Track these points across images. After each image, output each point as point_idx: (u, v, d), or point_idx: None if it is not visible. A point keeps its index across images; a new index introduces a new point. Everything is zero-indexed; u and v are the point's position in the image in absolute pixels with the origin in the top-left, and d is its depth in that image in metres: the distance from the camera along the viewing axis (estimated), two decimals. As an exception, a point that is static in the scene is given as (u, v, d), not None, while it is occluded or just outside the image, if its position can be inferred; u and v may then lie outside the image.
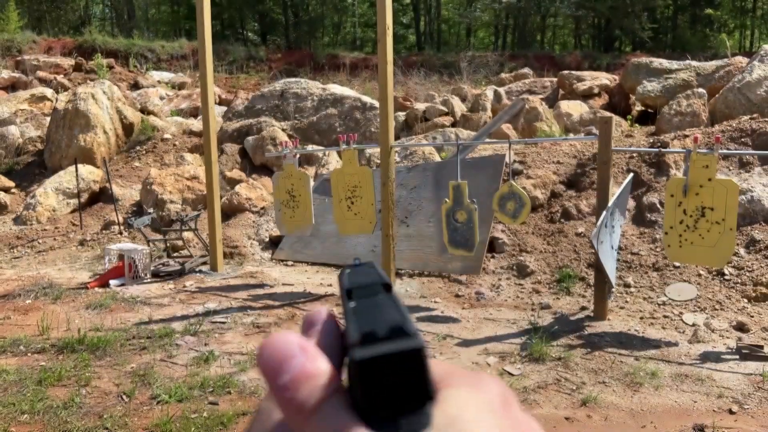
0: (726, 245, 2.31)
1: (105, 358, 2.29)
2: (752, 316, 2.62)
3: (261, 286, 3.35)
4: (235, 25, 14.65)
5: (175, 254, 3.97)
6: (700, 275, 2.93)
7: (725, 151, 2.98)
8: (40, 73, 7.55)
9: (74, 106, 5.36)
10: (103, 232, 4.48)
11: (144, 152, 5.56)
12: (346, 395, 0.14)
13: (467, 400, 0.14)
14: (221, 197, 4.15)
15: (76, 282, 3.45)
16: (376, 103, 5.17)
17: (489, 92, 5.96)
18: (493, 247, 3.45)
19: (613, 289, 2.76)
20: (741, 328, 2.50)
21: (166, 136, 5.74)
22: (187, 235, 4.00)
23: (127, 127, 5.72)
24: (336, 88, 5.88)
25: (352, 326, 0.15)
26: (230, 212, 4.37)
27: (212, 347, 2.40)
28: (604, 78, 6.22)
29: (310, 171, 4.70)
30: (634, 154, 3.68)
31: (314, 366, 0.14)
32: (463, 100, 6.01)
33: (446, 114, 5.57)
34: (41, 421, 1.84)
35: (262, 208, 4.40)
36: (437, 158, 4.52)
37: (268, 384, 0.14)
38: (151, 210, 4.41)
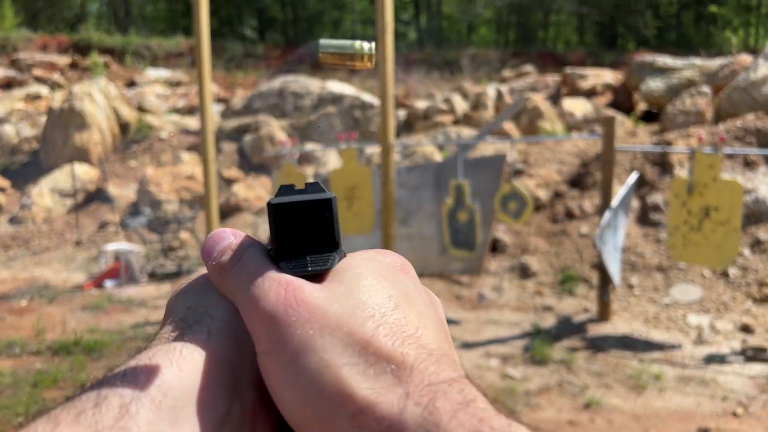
0: (730, 246, 2.28)
1: (101, 361, 2.27)
2: (757, 318, 2.59)
3: (259, 286, 3.31)
4: (233, 22, 14.55)
5: (172, 255, 3.94)
6: (704, 276, 2.91)
7: (730, 150, 2.92)
8: (36, 72, 7.47)
9: (70, 105, 5.32)
10: (99, 232, 4.46)
11: (140, 151, 5.52)
12: (264, 251, 0.17)
13: (367, 258, 0.17)
14: (219, 197, 4.16)
15: (71, 283, 3.43)
16: (376, 102, 5.16)
17: (491, 90, 5.91)
18: (495, 247, 3.43)
19: (610, 292, 2.72)
20: (746, 329, 2.47)
21: (163, 134, 5.71)
22: (183, 235, 3.99)
23: (123, 126, 5.70)
24: (335, 86, 5.82)
25: (274, 196, 0.17)
26: (228, 212, 4.35)
27: (209, 350, 2.38)
28: (608, 76, 6.18)
29: (309, 170, 4.65)
30: (638, 154, 3.65)
31: (238, 239, 0.17)
32: (465, 98, 5.94)
33: (447, 112, 5.53)
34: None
35: (260, 208, 4.39)
36: (438, 157, 4.49)
37: (204, 261, 0.17)
38: (147, 210, 4.37)
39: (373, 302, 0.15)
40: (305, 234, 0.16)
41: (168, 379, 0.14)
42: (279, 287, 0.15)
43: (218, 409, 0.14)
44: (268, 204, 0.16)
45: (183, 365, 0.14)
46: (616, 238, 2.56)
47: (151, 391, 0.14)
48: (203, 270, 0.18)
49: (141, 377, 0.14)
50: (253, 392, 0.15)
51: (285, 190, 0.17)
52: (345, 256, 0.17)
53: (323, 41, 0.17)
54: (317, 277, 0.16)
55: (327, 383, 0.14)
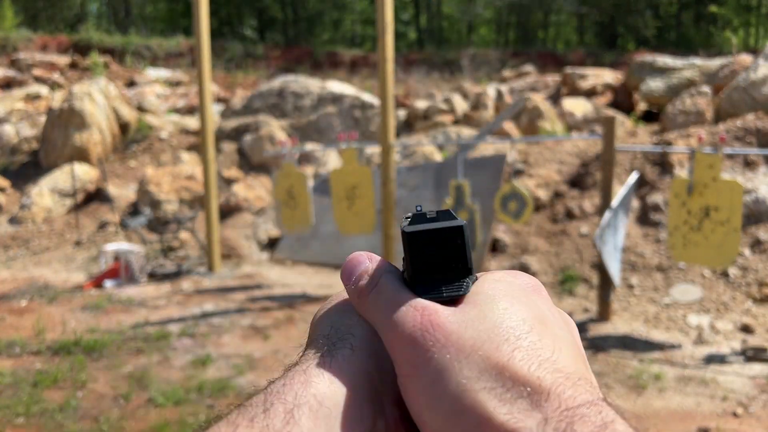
0: (730, 246, 2.28)
1: (101, 361, 2.27)
2: (757, 318, 2.59)
3: (259, 287, 3.32)
4: (233, 22, 14.54)
5: (172, 255, 3.94)
6: (704, 276, 2.90)
7: (730, 150, 2.92)
8: (36, 72, 7.47)
9: (70, 105, 5.30)
10: (99, 232, 4.44)
11: (140, 151, 5.51)
12: (399, 276, 0.18)
13: (500, 280, 0.18)
14: (218, 197, 4.13)
15: (71, 283, 3.42)
16: (376, 102, 5.13)
17: (491, 90, 5.91)
18: (495, 247, 3.43)
19: (612, 292, 2.72)
20: (746, 329, 2.47)
21: (163, 134, 5.70)
22: (183, 235, 3.98)
23: (123, 126, 5.68)
24: (335, 86, 5.82)
25: (404, 221, 0.18)
26: (228, 212, 4.34)
27: (209, 350, 2.38)
28: (608, 76, 6.17)
29: (309, 170, 4.64)
30: (638, 154, 3.65)
31: (374, 264, 0.18)
32: (465, 98, 5.94)
33: (447, 112, 5.53)
34: (37, 424, 1.81)
35: (261, 208, 4.38)
36: (438, 157, 4.49)
37: (344, 284, 0.18)
38: (147, 210, 4.36)
39: (507, 325, 0.16)
40: (439, 260, 0.17)
41: (322, 389, 0.15)
42: (415, 312, 0.16)
43: (365, 423, 0.15)
44: (404, 232, 0.17)
45: (333, 378, 0.16)
46: (616, 238, 2.56)
47: (309, 400, 0.15)
48: (342, 292, 0.19)
49: (298, 387, 0.15)
50: (395, 411, 0.16)
51: (417, 218, 0.17)
52: (477, 279, 0.18)
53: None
54: (452, 301, 0.17)
55: (466, 407, 0.14)
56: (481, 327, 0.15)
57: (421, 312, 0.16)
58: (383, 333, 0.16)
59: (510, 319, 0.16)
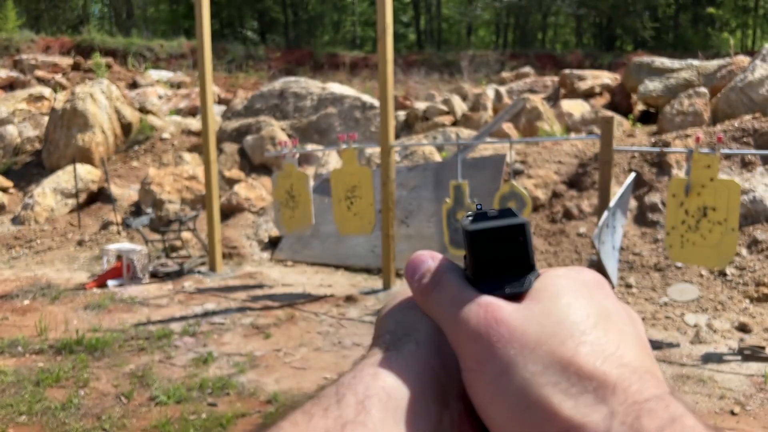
0: (728, 245, 2.29)
1: (103, 359, 2.28)
2: (754, 317, 2.60)
3: (260, 286, 3.33)
4: (235, 24, 14.60)
5: (174, 254, 3.95)
6: (701, 276, 2.92)
7: (727, 150, 2.95)
8: (38, 73, 7.51)
9: (72, 106, 5.32)
10: (102, 232, 4.45)
11: (142, 152, 5.53)
12: (461, 273, 0.18)
13: (562, 276, 0.18)
14: (220, 197, 4.13)
15: (74, 282, 3.43)
16: (376, 103, 5.13)
17: (490, 91, 5.94)
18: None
19: (614, 286, 2.74)
20: (743, 328, 2.49)
21: (165, 135, 5.71)
22: (185, 235, 3.99)
23: (126, 127, 5.69)
24: (336, 87, 5.84)
25: (465, 220, 0.18)
26: (229, 212, 4.35)
27: (211, 348, 2.39)
28: (606, 77, 6.18)
29: (310, 170, 4.67)
30: (636, 154, 3.66)
31: (436, 262, 0.19)
32: (464, 99, 5.98)
33: (447, 113, 5.54)
34: (39, 423, 1.83)
35: (262, 208, 4.38)
36: (437, 158, 4.50)
37: (408, 282, 0.19)
38: (149, 210, 4.38)
39: (571, 321, 0.16)
40: (501, 257, 0.17)
41: (390, 382, 0.15)
42: (479, 308, 0.16)
43: (432, 416, 0.15)
44: (466, 231, 0.17)
45: (400, 371, 0.16)
46: (614, 238, 2.58)
47: (378, 392, 0.15)
48: (406, 290, 0.19)
49: (367, 379, 0.15)
50: (460, 405, 0.16)
51: (479, 216, 0.17)
52: (539, 275, 0.18)
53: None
54: (515, 297, 0.17)
55: (531, 402, 0.14)
56: (545, 322, 0.15)
57: (485, 308, 0.16)
58: (447, 329, 0.16)
59: (574, 314, 0.16)
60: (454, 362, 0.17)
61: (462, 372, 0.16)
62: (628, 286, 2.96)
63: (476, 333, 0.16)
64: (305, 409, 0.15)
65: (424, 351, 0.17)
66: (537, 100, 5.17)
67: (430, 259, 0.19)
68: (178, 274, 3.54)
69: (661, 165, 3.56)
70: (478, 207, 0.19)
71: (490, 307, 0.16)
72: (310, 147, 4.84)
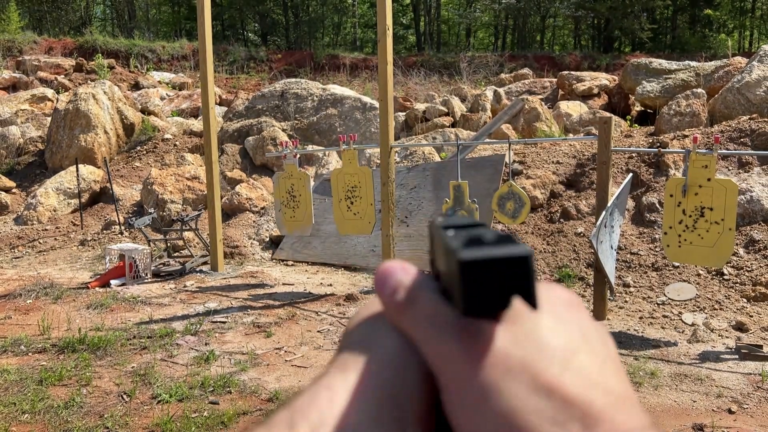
0: (725, 245, 2.30)
1: (106, 358, 2.29)
2: (751, 316, 2.61)
3: (261, 285, 3.34)
4: (236, 26, 14.66)
5: (176, 254, 3.96)
6: (699, 275, 2.93)
7: (724, 151, 2.98)
8: (41, 74, 7.55)
9: (75, 107, 5.35)
10: (104, 232, 4.47)
11: (144, 152, 5.55)
12: (437, 288, 0.16)
13: (540, 296, 0.16)
14: (222, 197, 4.14)
15: (76, 282, 3.44)
16: (376, 104, 5.17)
17: (489, 93, 5.95)
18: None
19: (614, 292, 2.75)
20: (740, 327, 2.50)
21: (167, 136, 5.72)
22: (187, 235, 4.00)
23: (128, 128, 5.71)
24: (336, 89, 5.87)
25: (453, 240, 0.15)
26: (231, 212, 4.37)
27: (213, 347, 2.40)
28: (604, 78, 6.21)
29: (311, 171, 4.70)
30: (634, 155, 3.68)
31: (409, 276, 0.17)
32: (463, 100, 6.01)
33: (446, 114, 5.56)
34: (42, 421, 1.84)
35: (263, 208, 4.39)
36: (437, 158, 4.53)
37: (378, 297, 0.17)
38: (151, 210, 4.40)
39: (555, 345, 0.15)
40: (494, 292, 0.14)
41: (346, 409, 0.14)
42: (460, 329, 0.15)
43: None
44: (460, 262, 0.14)
45: (357, 396, 0.15)
46: (612, 238, 2.59)
47: (334, 420, 0.14)
48: (375, 301, 0.18)
49: (323, 405, 0.15)
50: (418, 429, 0.15)
51: (473, 241, 0.14)
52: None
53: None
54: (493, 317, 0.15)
55: (515, 429, 0.14)
56: (528, 346, 0.15)
57: (467, 329, 0.15)
58: (425, 349, 0.15)
59: (557, 338, 0.15)
60: (417, 383, 0.15)
61: (442, 394, 0.15)
62: (626, 285, 2.97)
63: (457, 355, 0.15)
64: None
65: (387, 372, 0.16)
66: (535, 102, 5.20)
67: (401, 271, 0.17)
68: (180, 274, 3.55)
69: (658, 165, 3.58)
70: (449, 213, 0.16)
71: (471, 328, 0.15)
72: (310, 147, 4.87)
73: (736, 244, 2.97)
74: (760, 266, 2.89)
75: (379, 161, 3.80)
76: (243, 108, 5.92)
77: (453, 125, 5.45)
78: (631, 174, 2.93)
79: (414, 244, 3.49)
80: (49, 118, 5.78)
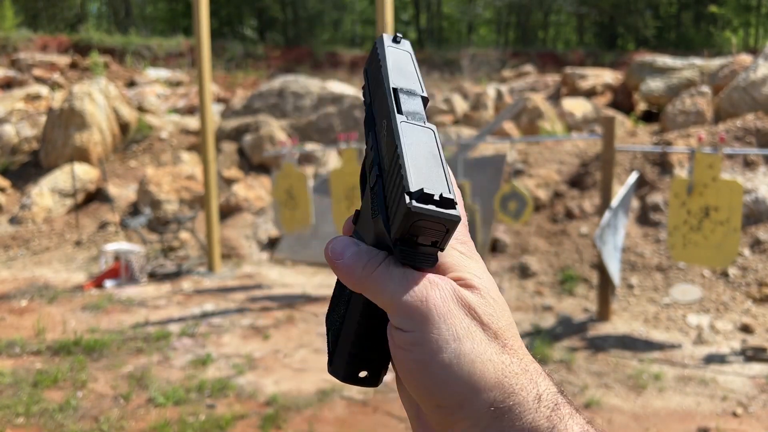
0: (730, 245, 2.28)
1: (101, 361, 2.27)
2: (757, 318, 2.59)
3: (259, 287, 3.32)
4: (233, 22, 14.54)
5: (172, 255, 3.94)
6: (704, 276, 2.90)
7: (730, 150, 2.92)
8: (36, 72, 7.47)
9: (70, 105, 5.30)
10: (99, 232, 4.44)
11: (140, 151, 5.51)
12: (388, 254, 0.20)
13: (485, 274, 0.22)
14: (219, 197, 4.12)
15: (72, 283, 3.42)
16: (376, 101, 5.16)
17: (491, 90, 5.91)
18: (495, 247, 3.42)
19: (615, 293, 2.72)
20: (745, 329, 2.47)
21: (163, 135, 5.69)
22: (183, 235, 3.98)
23: (124, 126, 5.67)
24: (335, 86, 5.83)
25: (410, 175, 0.19)
26: (228, 212, 4.34)
27: (209, 349, 2.38)
28: (608, 76, 6.17)
29: (309, 170, 4.65)
30: (638, 154, 3.65)
31: (361, 245, 0.21)
32: (465, 98, 5.95)
33: (447, 112, 5.55)
34: (37, 424, 1.81)
35: (261, 208, 4.37)
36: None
37: (336, 269, 0.21)
38: (147, 210, 4.36)
39: (508, 311, 0.20)
40: (419, 238, 0.19)
41: None
42: (436, 285, 0.19)
43: None
44: (409, 210, 0.18)
45: None
46: (616, 238, 2.56)
47: None
48: None
49: None
50: None
51: (425, 197, 0.19)
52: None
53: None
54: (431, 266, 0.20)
55: (465, 373, 0.17)
56: (495, 308, 0.19)
57: (446, 284, 0.19)
58: (393, 305, 0.19)
59: (506, 306, 0.21)
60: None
61: (394, 349, 0.18)
62: (630, 286, 2.94)
63: (434, 308, 0.18)
64: None
65: None
66: (538, 99, 5.16)
67: (353, 244, 0.20)
68: (176, 275, 3.53)
69: (663, 164, 3.55)
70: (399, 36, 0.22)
71: (451, 284, 0.19)
72: (309, 146, 4.82)
73: (741, 245, 2.94)
74: (766, 267, 2.87)
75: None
76: (240, 106, 5.88)
77: (454, 123, 5.42)
78: (635, 173, 2.88)
79: (414, 244, 3.45)
80: (44, 117, 5.71)
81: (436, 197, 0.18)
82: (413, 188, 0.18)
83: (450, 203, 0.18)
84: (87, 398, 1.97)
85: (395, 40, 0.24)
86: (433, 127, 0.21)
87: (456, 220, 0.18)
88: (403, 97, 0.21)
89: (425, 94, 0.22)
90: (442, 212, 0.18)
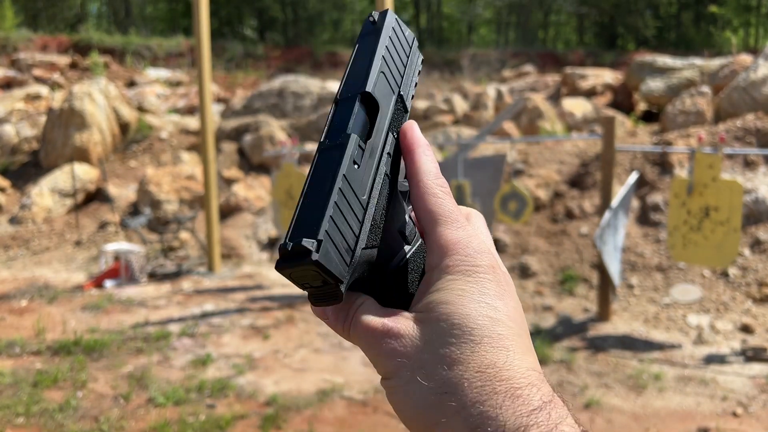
0: (730, 245, 2.28)
1: (101, 361, 2.27)
2: (757, 318, 2.59)
3: (259, 287, 3.32)
4: (233, 22, 14.55)
5: (172, 255, 3.94)
6: (704, 276, 2.91)
7: (730, 150, 2.92)
8: (36, 72, 7.47)
9: (70, 105, 5.30)
10: (99, 232, 4.45)
11: (140, 151, 5.52)
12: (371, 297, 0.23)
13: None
14: (219, 197, 4.14)
15: (72, 283, 3.42)
16: (376, 101, 5.16)
17: (491, 90, 5.92)
18: (495, 247, 3.41)
19: (615, 292, 2.72)
20: (746, 329, 2.48)
21: (163, 135, 5.69)
22: (183, 235, 3.98)
23: (124, 126, 5.67)
24: (335, 86, 5.87)
25: (290, 228, 0.19)
26: (228, 212, 4.34)
27: (209, 349, 2.38)
28: (608, 76, 6.18)
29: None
30: (638, 154, 3.66)
31: (334, 311, 0.24)
32: (465, 98, 5.96)
33: (447, 112, 5.54)
34: (37, 424, 1.81)
35: (261, 208, 4.38)
36: (438, 157, 4.50)
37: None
38: (147, 210, 4.36)
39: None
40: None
41: None
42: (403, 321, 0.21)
43: None
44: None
45: None
46: (616, 238, 2.56)
47: None
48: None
49: None
50: None
51: (293, 254, 0.18)
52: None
53: None
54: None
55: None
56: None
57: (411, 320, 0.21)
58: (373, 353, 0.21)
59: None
60: None
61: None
62: (630, 286, 2.95)
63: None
64: None
65: None
66: (538, 99, 5.16)
67: (324, 314, 0.23)
68: (176, 275, 3.53)
69: (663, 164, 3.55)
70: (370, 17, 0.20)
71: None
72: (309, 146, 4.82)
73: (742, 245, 2.94)
74: (766, 267, 2.87)
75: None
76: (240, 106, 5.88)
77: (454, 123, 5.43)
78: (635, 173, 2.88)
79: (414, 244, 3.46)
80: (44, 117, 5.71)
81: (289, 248, 0.18)
82: (282, 245, 0.18)
83: (300, 253, 0.17)
84: (87, 398, 1.98)
85: (372, 23, 0.22)
86: (347, 138, 0.19)
87: (306, 264, 0.17)
88: (338, 111, 0.20)
89: (367, 88, 0.20)
90: (290, 264, 0.18)
